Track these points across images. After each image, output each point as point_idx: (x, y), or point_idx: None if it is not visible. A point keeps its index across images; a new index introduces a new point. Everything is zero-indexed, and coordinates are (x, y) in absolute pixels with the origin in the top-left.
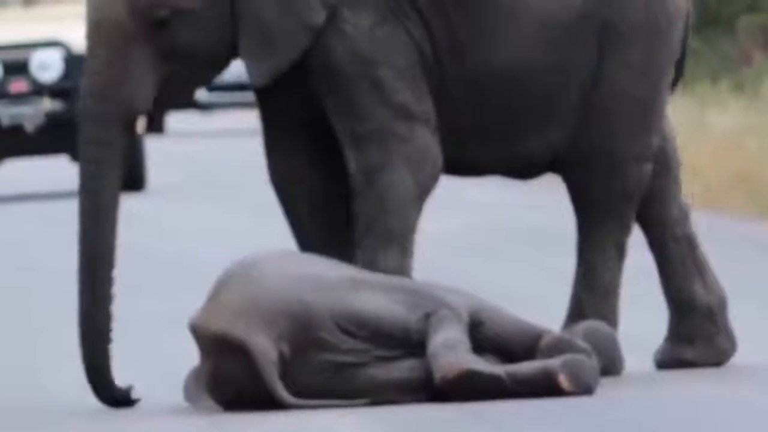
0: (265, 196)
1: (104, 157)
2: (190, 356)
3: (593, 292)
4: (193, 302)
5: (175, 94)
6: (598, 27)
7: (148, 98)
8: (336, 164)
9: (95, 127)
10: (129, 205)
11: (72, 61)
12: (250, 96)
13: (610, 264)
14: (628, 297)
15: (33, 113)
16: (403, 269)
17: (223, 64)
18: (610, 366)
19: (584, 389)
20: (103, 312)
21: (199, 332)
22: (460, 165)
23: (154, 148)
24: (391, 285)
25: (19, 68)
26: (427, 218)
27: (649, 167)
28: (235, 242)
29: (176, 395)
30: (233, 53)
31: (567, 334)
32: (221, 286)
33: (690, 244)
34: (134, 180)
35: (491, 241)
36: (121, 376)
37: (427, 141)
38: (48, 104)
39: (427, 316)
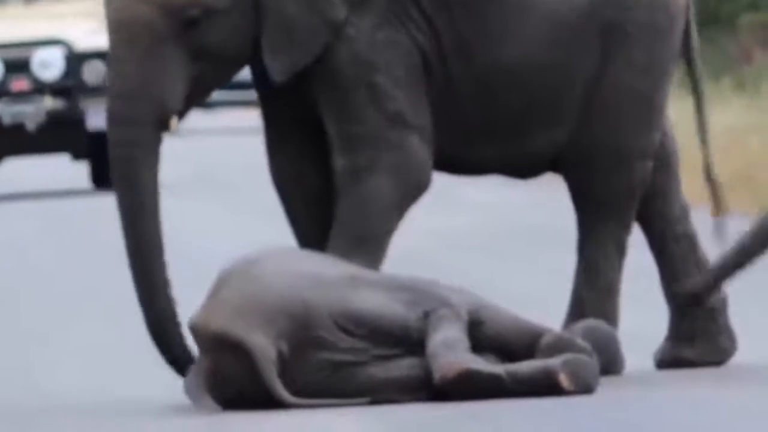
0: (267, 194)
1: (138, 157)
2: (191, 354)
3: (594, 291)
4: (194, 299)
5: (200, 93)
6: (604, 26)
7: (181, 98)
8: None
9: (127, 128)
10: None
11: (73, 59)
12: (253, 94)
13: (611, 262)
14: (629, 296)
15: (34, 112)
16: None
17: (246, 62)
18: (611, 365)
19: (585, 388)
20: (165, 298)
21: (198, 331)
22: (466, 163)
23: None
24: (391, 283)
25: (21, 66)
26: (427, 216)
27: (650, 164)
28: (236, 239)
29: (176, 394)
30: (257, 51)
31: (567, 333)
32: (221, 284)
33: (690, 242)
34: None
35: (491, 239)
36: (121, 375)
37: (418, 151)
38: (49, 103)
39: (427, 315)
